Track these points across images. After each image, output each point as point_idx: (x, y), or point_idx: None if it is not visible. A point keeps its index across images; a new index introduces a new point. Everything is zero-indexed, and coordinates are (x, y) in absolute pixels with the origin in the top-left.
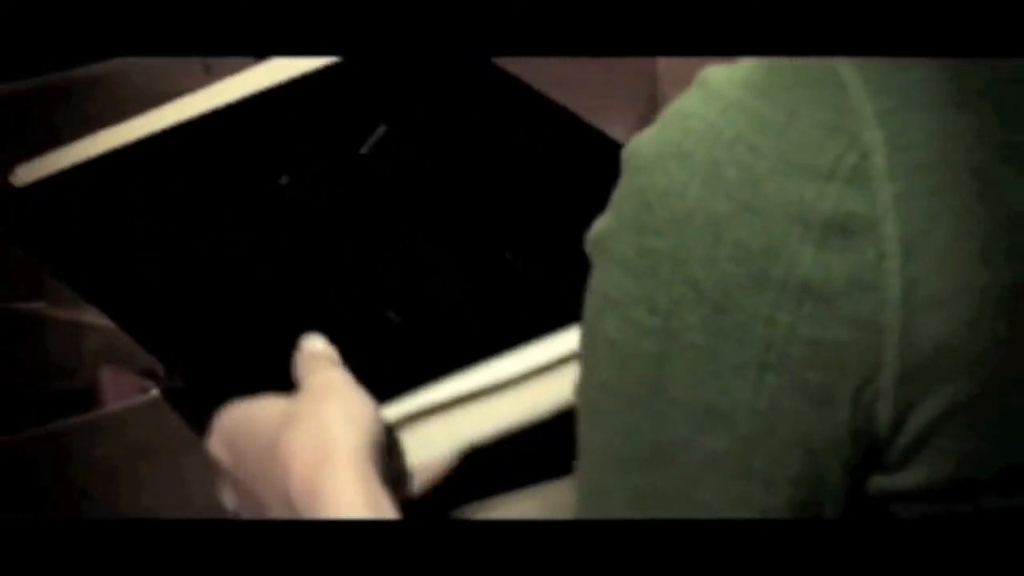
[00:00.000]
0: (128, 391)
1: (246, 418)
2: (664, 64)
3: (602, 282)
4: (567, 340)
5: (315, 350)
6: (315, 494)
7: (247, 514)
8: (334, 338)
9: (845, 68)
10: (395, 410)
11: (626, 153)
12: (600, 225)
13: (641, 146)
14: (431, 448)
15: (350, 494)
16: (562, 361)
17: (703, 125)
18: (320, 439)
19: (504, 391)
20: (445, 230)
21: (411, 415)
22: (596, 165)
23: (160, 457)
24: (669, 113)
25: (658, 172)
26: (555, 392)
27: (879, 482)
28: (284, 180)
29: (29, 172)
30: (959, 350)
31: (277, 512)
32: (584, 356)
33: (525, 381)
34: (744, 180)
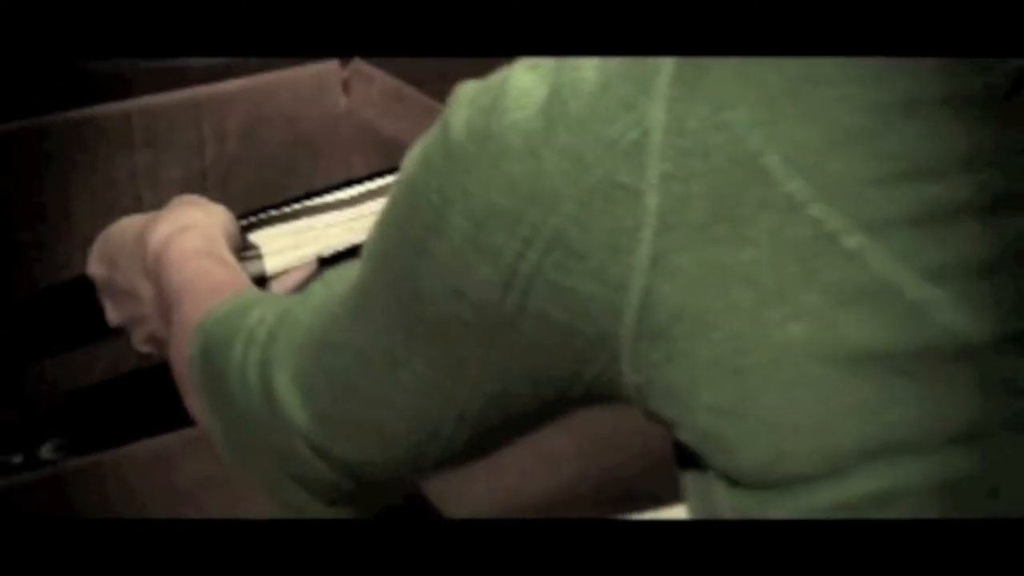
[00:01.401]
0: None
1: (118, 228)
2: None
3: (430, 135)
4: None
5: None
6: (164, 251)
7: (125, 315)
8: None
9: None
10: (251, 219)
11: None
12: (464, 88)
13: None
14: (285, 256)
15: (192, 242)
16: None
17: (551, 65)
18: (177, 220)
19: (353, 207)
20: None
21: (266, 219)
22: None
23: None
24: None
25: (507, 85)
26: None
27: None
28: None
29: None
30: (696, 317)
31: (143, 292)
32: (397, 180)
33: (373, 198)
34: (542, 128)
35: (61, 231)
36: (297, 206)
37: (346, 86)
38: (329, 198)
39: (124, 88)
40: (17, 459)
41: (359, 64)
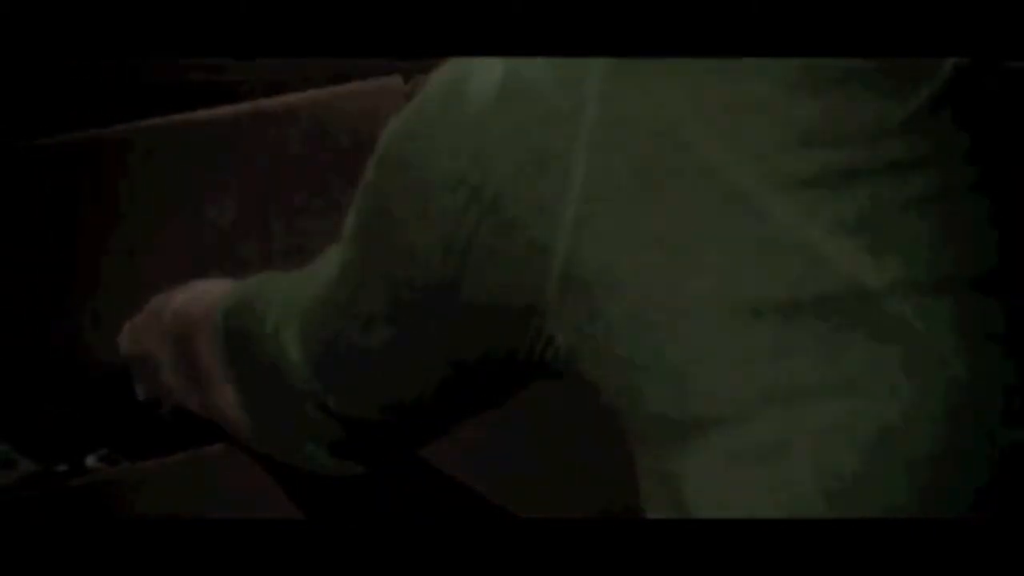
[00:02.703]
0: None
1: (145, 309)
2: None
3: (414, 98)
4: None
5: None
6: (182, 310)
7: (152, 387)
8: None
9: None
10: None
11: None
12: (452, 61)
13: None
14: None
15: (209, 298)
16: None
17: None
18: (193, 290)
19: None
20: None
21: None
22: None
23: None
24: None
25: (483, 60)
26: None
27: None
28: None
29: None
30: (613, 277)
31: (163, 356)
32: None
33: None
34: (495, 97)
35: (128, 241)
36: None
37: (408, 101)
38: None
39: (183, 101)
40: (62, 468)
41: (421, 80)
